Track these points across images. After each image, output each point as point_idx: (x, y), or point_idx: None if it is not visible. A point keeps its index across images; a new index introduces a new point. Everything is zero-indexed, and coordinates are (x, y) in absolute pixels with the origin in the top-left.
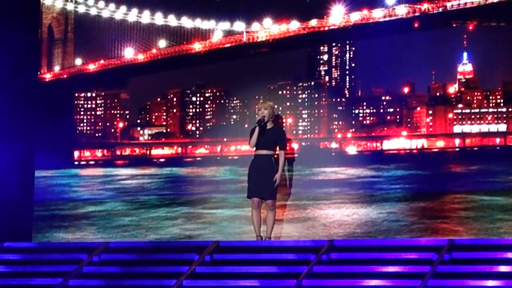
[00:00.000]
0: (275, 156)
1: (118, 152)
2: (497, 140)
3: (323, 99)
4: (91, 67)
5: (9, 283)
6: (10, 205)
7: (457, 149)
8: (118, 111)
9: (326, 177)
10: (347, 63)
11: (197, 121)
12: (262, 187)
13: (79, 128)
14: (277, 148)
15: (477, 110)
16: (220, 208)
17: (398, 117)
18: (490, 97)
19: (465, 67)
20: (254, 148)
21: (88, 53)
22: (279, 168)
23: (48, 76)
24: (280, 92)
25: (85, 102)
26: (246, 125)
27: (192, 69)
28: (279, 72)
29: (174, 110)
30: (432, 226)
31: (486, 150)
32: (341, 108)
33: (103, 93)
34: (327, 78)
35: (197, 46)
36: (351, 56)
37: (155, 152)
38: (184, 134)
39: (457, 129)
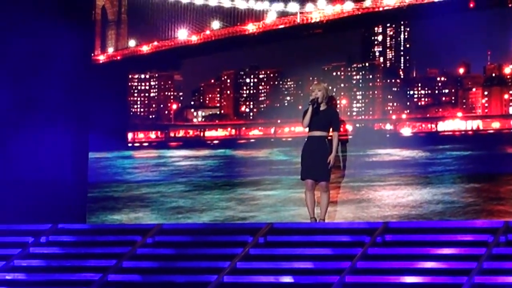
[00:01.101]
0: (329, 137)
1: (171, 134)
2: None
3: (378, 80)
4: (145, 48)
5: (63, 264)
6: (64, 186)
7: None
8: (172, 93)
9: (381, 159)
10: (402, 44)
11: (251, 103)
12: (315, 169)
13: (133, 110)
14: (331, 129)
15: None
16: (274, 190)
17: (453, 98)
18: None
19: None
20: (307, 129)
21: (141, 35)
22: (333, 149)
23: (102, 58)
24: (334, 73)
25: (139, 84)
26: (300, 107)
27: (246, 50)
28: (333, 53)
29: (228, 92)
30: (488, 208)
31: None
32: (395, 89)
33: (156, 75)
34: (381, 59)
35: (251, 27)
36: (406, 37)
37: (209, 134)
38: (238, 116)
39: None
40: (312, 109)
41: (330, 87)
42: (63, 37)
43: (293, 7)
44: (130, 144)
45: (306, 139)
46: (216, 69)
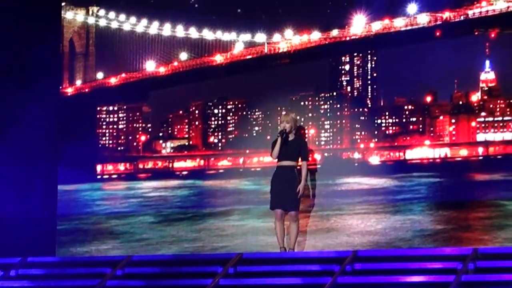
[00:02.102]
0: (298, 167)
1: (140, 166)
2: None
3: (345, 109)
4: (113, 80)
5: None
6: (33, 220)
7: (481, 158)
8: (140, 125)
9: (349, 188)
10: (369, 73)
11: (220, 133)
12: (285, 198)
13: (102, 142)
14: (300, 159)
15: (500, 118)
16: (244, 220)
17: (421, 126)
18: None
19: (488, 75)
20: (276, 160)
21: (109, 67)
22: (302, 179)
23: (70, 91)
24: (302, 103)
25: (107, 116)
26: (268, 137)
27: (214, 81)
28: (301, 83)
29: (196, 123)
30: (457, 235)
31: (510, 158)
32: (363, 118)
33: (125, 107)
34: (349, 88)
35: (219, 58)
36: (373, 66)
37: (178, 164)
38: (206, 147)
39: (481, 137)
40: (281, 140)
41: (298, 117)
42: (30, 70)
43: (260, 37)
44: (99, 176)
45: (275, 169)
46: (184, 100)
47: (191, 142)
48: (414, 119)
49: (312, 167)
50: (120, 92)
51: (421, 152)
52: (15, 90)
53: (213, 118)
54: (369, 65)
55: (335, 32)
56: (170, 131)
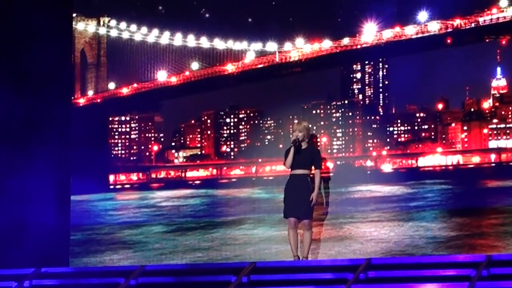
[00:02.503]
0: (311, 175)
1: (153, 175)
2: None
3: (357, 117)
4: (125, 90)
5: None
6: (46, 230)
7: (493, 164)
8: (153, 134)
9: (362, 195)
10: (381, 80)
11: (232, 143)
12: (298, 207)
13: (114, 152)
14: (313, 167)
15: None
16: (257, 228)
17: (433, 133)
18: None
19: (499, 82)
20: (290, 169)
21: (121, 77)
22: (316, 187)
23: (82, 101)
24: (314, 112)
25: (119, 126)
26: (280, 145)
27: (226, 90)
28: (313, 92)
29: (208, 132)
30: (470, 242)
31: None
32: (375, 126)
33: (137, 117)
34: (360, 96)
35: (230, 68)
36: (384, 73)
37: (190, 174)
38: (218, 156)
39: (493, 144)
40: (294, 149)
41: (310, 125)
42: (43, 80)
43: (271, 46)
44: (112, 186)
45: (288, 178)
46: (196, 109)
47: (203, 152)
48: (426, 126)
49: (325, 175)
50: (132, 102)
51: (434, 159)
52: (27, 101)
53: (225, 127)
54: (380, 73)
55: (346, 41)
56: (182, 141)
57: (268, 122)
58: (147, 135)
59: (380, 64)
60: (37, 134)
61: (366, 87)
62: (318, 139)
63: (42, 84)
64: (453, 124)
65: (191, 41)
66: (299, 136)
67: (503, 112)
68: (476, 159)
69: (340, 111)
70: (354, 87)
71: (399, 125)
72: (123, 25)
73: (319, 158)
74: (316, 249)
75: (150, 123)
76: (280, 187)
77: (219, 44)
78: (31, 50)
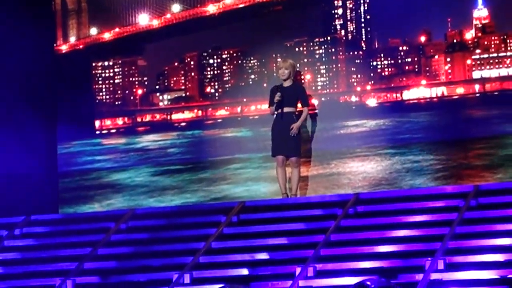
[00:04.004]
0: (297, 113)
1: (138, 119)
2: None
3: (340, 53)
4: (107, 36)
5: (38, 256)
6: (34, 178)
7: (478, 95)
8: (137, 78)
9: (348, 131)
10: (362, 15)
11: (216, 83)
12: (285, 145)
13: (99, 98)
14: (299, 105)
15: (495, 55)
16: (244, 168)
17: (416, 66)
18: (508, 41)
19: (481, 12)
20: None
21: (102, 22)
22: (299, 120)
23: (64, 48)
24: (296, 49)
25: (103, 71)
26: (265, 84)
27: (208, 31)
28: (295, 29)
29: (192, 74)
30: (457, 173)
31: (506, 94)
32: (358, 61)
33: (120, 61)
34: (343, 32)
35: (211, 8)
36: (366, 8)
37: (176, 116)
38: (203, 97)
39: (476, 74)
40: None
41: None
42: (24, 30)
43: None
44: (98, 132)
45: (274, 116)
46: (179, 52)
47: (188, 93)
48: (409, 59)
49: (312, 112)
50: (114, 47)
51: (418, 92)
52: (8, 50)
53: (208, 69)
54: (362, 7)
55: None
56: (166, 84)
57: (252, 62)
58: (131, 79)
59: None
60: (20, 82)
61: (348, 23)
62: (302, 77)
63: (24, 31)
64: (436, 56)
65: None
66: (285, 74)
67: (485, 42)
68: (460, 90)
69: (323, 47)
70: (336, 23)
71: (382, 59)
72: None
73: (306, 96)
74: (304, 186)
75: (133, 67)
76: (265, 126)
77: None
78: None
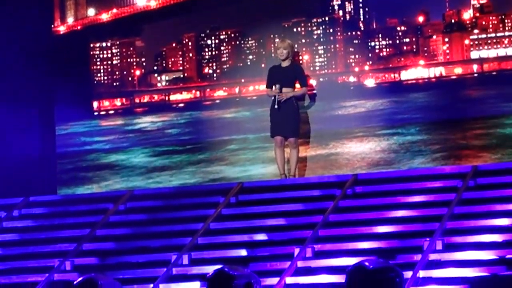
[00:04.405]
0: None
1: (137, 100)
2: None
3: (338, 33)
4: (104, 17)
5: (36, 237)
6: (33, 160)
7: (476, 75)
8: (134, 59)
9: (346, 112)
10: None
11: (214, 64)
12: (284, 126)
13: (97, 79)
14: (297, 86)
15: (493, 35)
16: (242, 149)
17: (414, 46)
18: (506, 21)
19: None
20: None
21: (100, 3)
22: (292, 92)
23: (62, 29)
24: (294, 30)
25: (101, 52)
26: (263, 65)
27: (205, 12)
28: (293, 9)
29: (190, 55)
30: (456, 154)
31: (504, 74)
32: (356, 41)
33: (118, 42)
34: (340, 12)
35: None
36: None
37: (174, 97)
38: (201, 78)
39: (474, 54)
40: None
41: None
42: (21, 10)
43: None
44: (96, 113)
45: (273, 97)
46: (177, 32)
47: (186, 74)
48: (407, 40)
49: (310, 93)
50: (112, 28)
51: (416, 72)
52: (6, 31)
53: (206, 49)
54: None
55: None
56: (164, 64)
57: (250, 42)
58: (129, 60)
59: None
60: (18, 63)
61: (346, 3)
62: (300, 57)
63: (21, 13)
64: (434, 36)
65: None
66: (284, 53)
67: (483, 22)
68: (458, 70)
69: (321, 28)
70: (334, 3)
71: (380, 39)
72: None
73: (304, 76)
74: (302, 167)
75: (131, 48)
76: (264, 107)
77: None
78: None
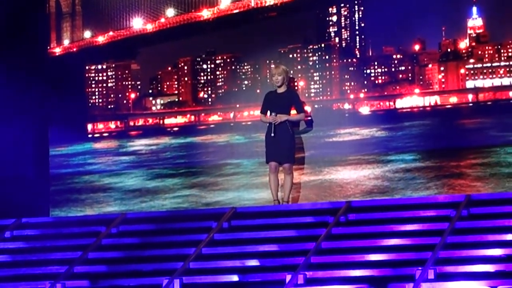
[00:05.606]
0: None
1: (131, 123)
2: (510, 94)
3: (334, 60)
4: (100, 39)
5: (28, 258)
6: (26, 181)
7: (471, 104)
8: (130, 82)
9: (341, 139)
10: (357, 23)
11: (209, 89)
12: (279, 151)
13: (91, 101)
14: (293, 112)
15: (489, 64)
16: (236, 174)
17: (410, 75)
18: (502, 51)
19: (475, 22)
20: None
21: (96, 26)
22: (287, 116)
23: (58, 51)
24: (290, 56)
25: (96, 75)
26: (258, 90)
27: (202, 37)
28: (289, 36)
29: (186, 79)
30: (449, 183)
31: (499, 104)
32: (352, 68)
33: (113, 65)
34: (337, 39)
35: (206, 13)
36: (360, 16)
37: (168, 121)
38: (196, 102)
39: (470, 84)
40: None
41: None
42: (17, 32)
43: None
44: (90, 135)
45: (268, 124)
46: (172, 56)
47: (181, 98)
48: (403, 68)
49: (305, 119)
50: (108, 51)
51: (411, 100)
52: (2, 51)
53: (202, 74)
54: (356, 15)
55: None
56: (159, 88)
57: (245, 67)
58: (124, 83)
59: (356, 6)
60: (13, 85)
61: (343, 30)
62: (296, 83)
63: (17, 34)
64: (430, 65)
65: None
66: (279, 80)
67: (479, 52)
68: (453, 99)
69: (316, 54)
70: (330, 30)
71: (376, 67)
72: None
73: (300, 102)
74: (296, 193)
75: (127, 71)
76: (259, 132)
77: None
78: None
